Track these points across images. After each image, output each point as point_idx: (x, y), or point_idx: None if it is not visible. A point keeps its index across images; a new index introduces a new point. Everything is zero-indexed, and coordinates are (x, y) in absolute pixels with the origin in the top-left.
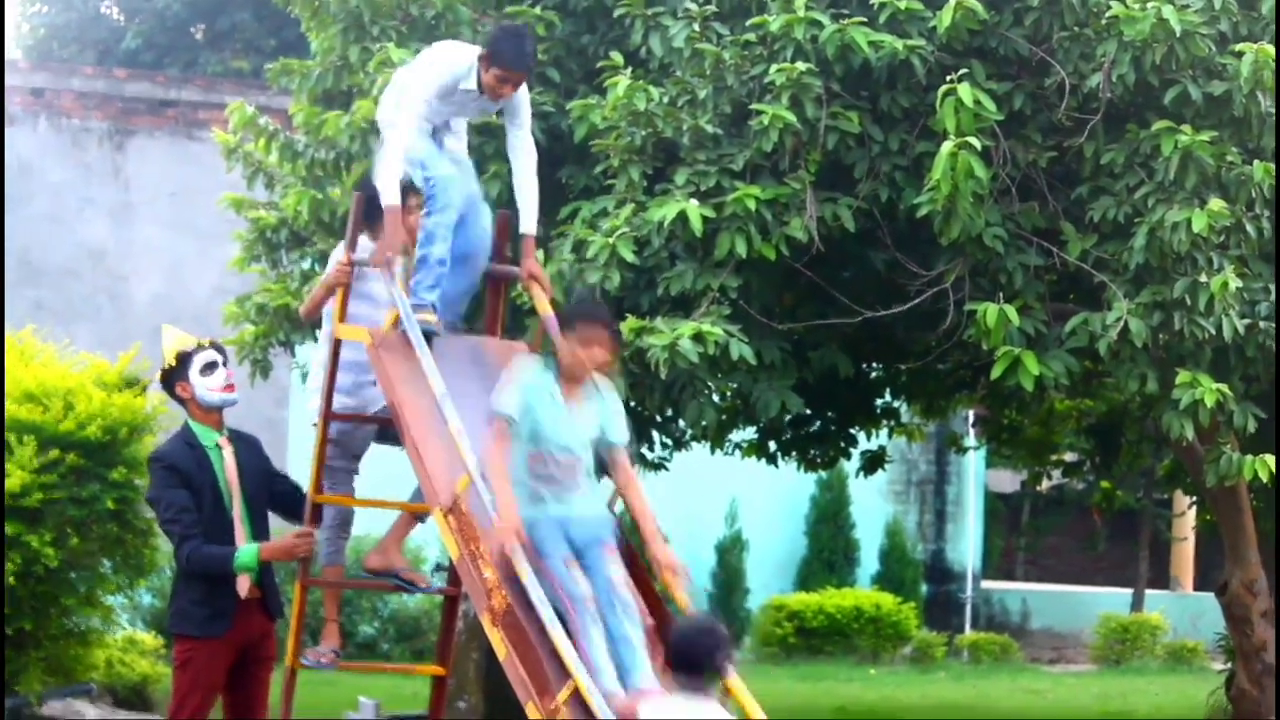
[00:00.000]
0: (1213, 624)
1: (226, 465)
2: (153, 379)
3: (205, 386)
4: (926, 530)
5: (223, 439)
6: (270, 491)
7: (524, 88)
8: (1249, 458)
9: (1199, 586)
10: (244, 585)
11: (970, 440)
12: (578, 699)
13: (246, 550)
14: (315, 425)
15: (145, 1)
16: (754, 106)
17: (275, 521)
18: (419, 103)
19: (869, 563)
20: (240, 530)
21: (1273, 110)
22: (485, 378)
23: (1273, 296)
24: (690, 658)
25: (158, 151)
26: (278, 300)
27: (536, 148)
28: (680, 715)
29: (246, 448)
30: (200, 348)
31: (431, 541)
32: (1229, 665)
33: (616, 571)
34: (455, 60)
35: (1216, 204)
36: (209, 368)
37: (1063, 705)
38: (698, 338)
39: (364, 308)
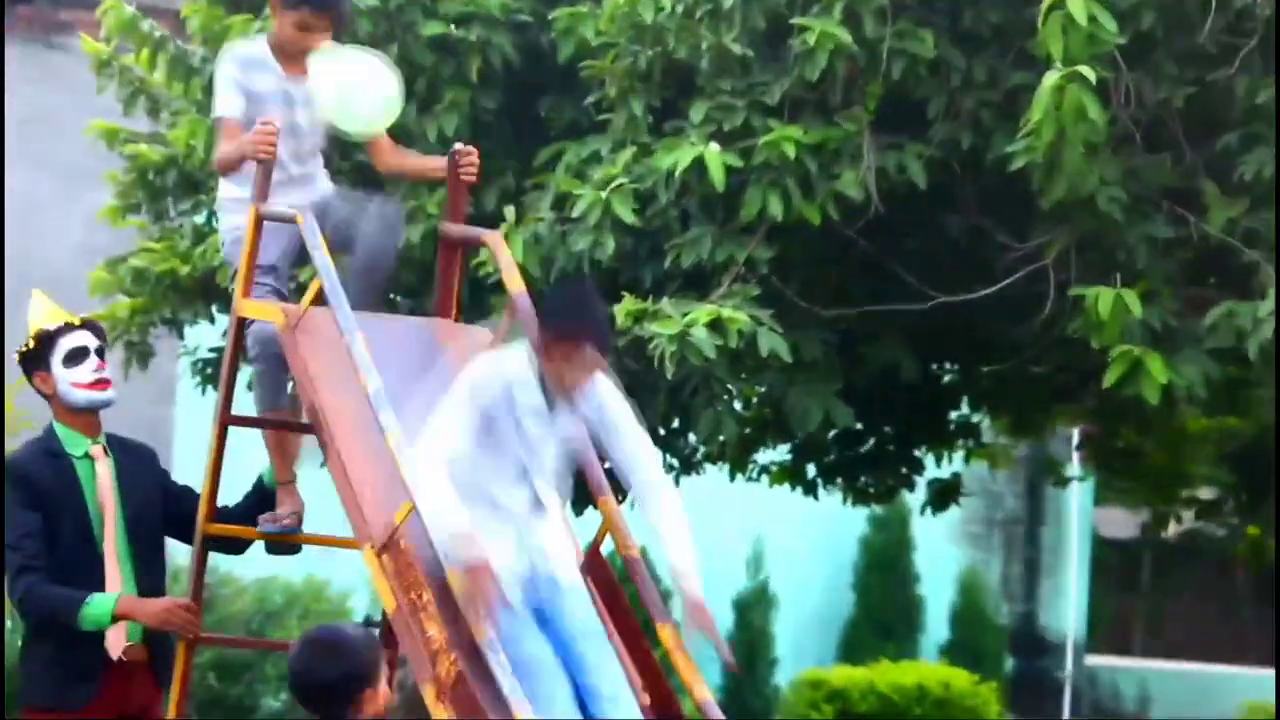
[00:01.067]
0: None
1: (99, 482)
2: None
3: (69, 380)
4: (1014, 587)
5: (96, 448)
6: (170, 515)
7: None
8: None
9: None
10: (117, 643)
11: (1074, 469)
12: None
13: (100, 599)
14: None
15: None
16: (795, 21)
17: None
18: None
19: (937, 628)
20: (113, 569)
21: None
22: (437, 373)
23: None
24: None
25: (7, 64)
26: (162, 264)
27: (508, 70)
28: None
29: (131, 460)
30: (68, 327)
31: (360, 586)
32: None
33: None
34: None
35: None
36: (76, 355)
37: None
38: (715, 325)
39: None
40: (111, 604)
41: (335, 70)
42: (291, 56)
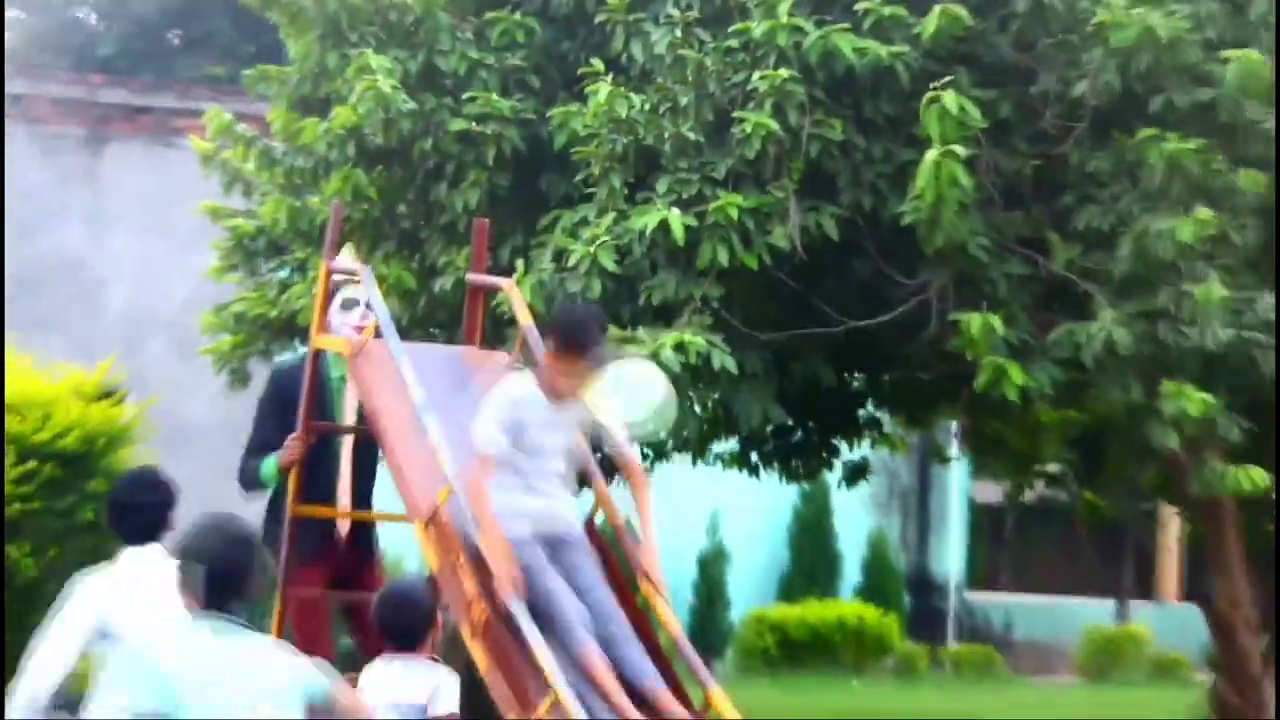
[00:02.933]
0: (1198, 635)
1: (347, 403)
2: (129, 390)
3: (341, 320)
4: (909, 542)
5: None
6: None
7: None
8: (1235, 469)
9: (1184, 598)
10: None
11: (954, 451)
12: (559, 711)
13: (268, 462)
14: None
15: (121, 7)
16: (736, 114)
17: None
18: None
19: (851, 574)
20: (346, 471)
21: (1259, 118)
22: (465, 388)
23: (1258, 306)
24: (401, 626)
25: (133, 158)
26: (255, 309)
27: (516, 155)
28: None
29: None
30: (353, 283)
31: (411, 552)
32: (1214, 676)
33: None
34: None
35: (1203, 213)
36: (349, 304)
37: (1046, 717)
38: (680, 347)
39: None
40: (274, 463)
41: (653, 383)
42: (558, 390)
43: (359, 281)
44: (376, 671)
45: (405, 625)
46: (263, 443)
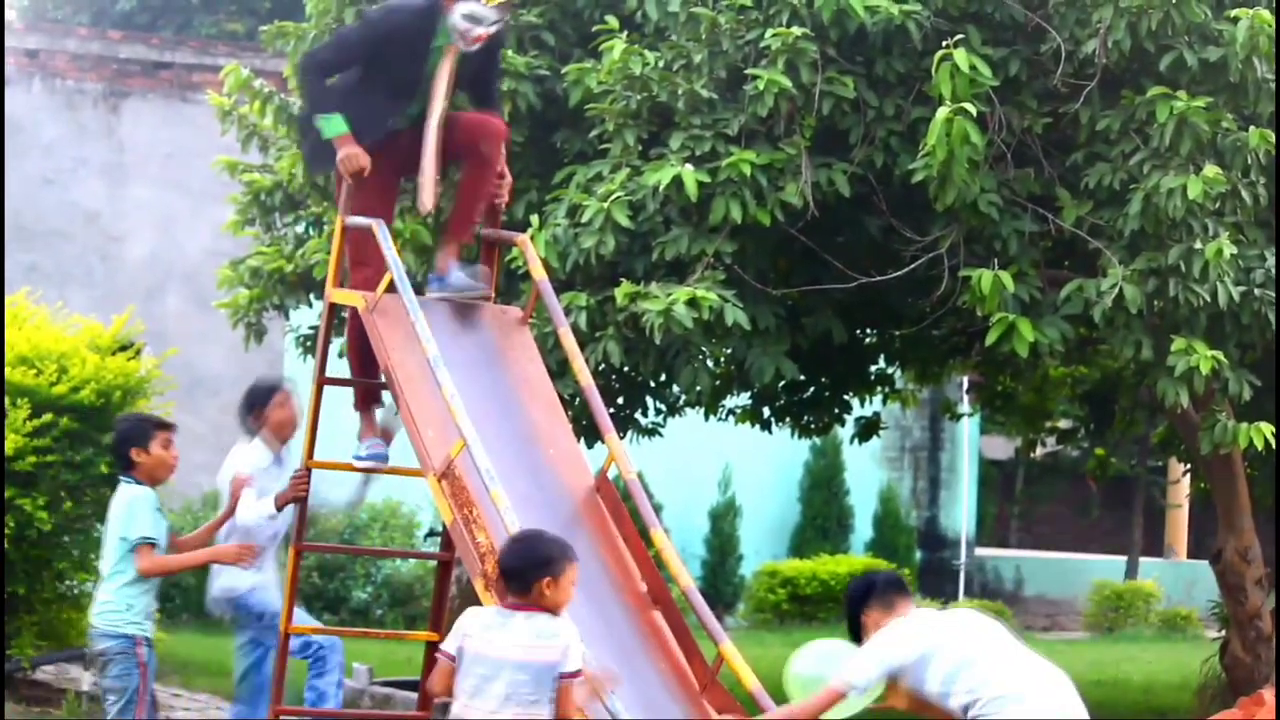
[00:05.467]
0: (1207, 591)
1: (442, 70)
2: (146, 343)
3: (462, 25)
4: (920, 497)
5: (451, 47)
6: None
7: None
8: (1244, 425)
9: (1193, 554)
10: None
11: (964, 407)
12: None
13: (337, 121)
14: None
15: None
16: (749, 71)
17: None
18: None
19: (863, 529)
20: (432, 143)
21: (1269, 76)
22: (479, 344)
23: (1268, 263)
24: (520, 573)
25: (152, 114)
26: (272, 264)
27: (531, 111)
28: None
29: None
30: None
31: (425, 506)
32: (1223, 633)
33: None
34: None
35: (1211, 170)
36: (474, 18)
37: None
38: (692, 303)
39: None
40: (340, 130)
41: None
42: None
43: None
44: (490, 624)
45: (518, 565)
46: (338, 64)
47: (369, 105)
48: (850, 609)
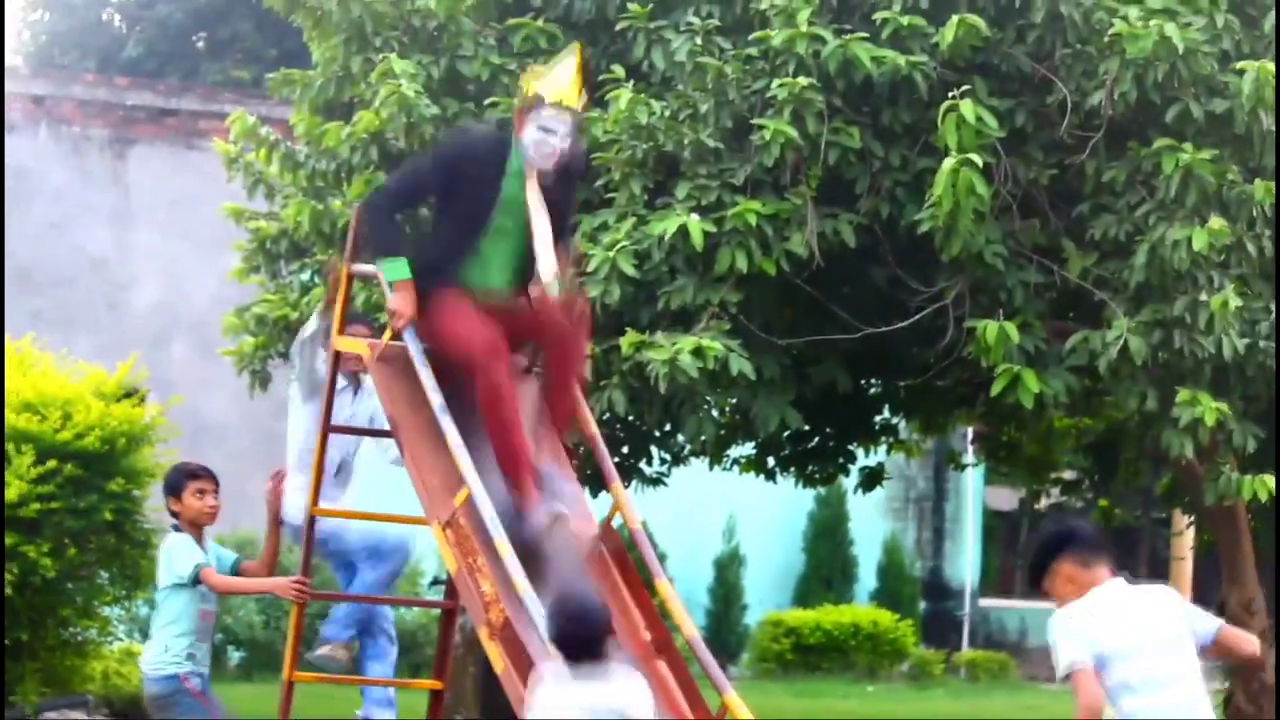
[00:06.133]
0: None
1: (527, 197)
2: (151, 389)
3: (536, 140)
4: (924, 547)
5: (533, 178)
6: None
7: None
8: (1248, 477)
9: (1197, 605)
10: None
11: (969, 457)
12: None
13: (401, 267)
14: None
15: (147, 10)
16: (755, 121)
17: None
18: None
19: (867, 579)
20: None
21: (1274, 128)
22: None
23: (1273, 315)
24: (597, 641)
25: (158, 160)
26: (277, 311)
27: None
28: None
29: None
30: (546, 103)
31: (429, 555)
32: (1226, 684)
33: None
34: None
35: (1217, 222)
36: (549, 129)
37: None
38: (697, 352)
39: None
40: (401, 275)
41: None
42: None
43: (563, 109)
44: (563, 682)
45: (588, 636)
46: (409, 196)
47: (441, 241)
48: (1042, 554)
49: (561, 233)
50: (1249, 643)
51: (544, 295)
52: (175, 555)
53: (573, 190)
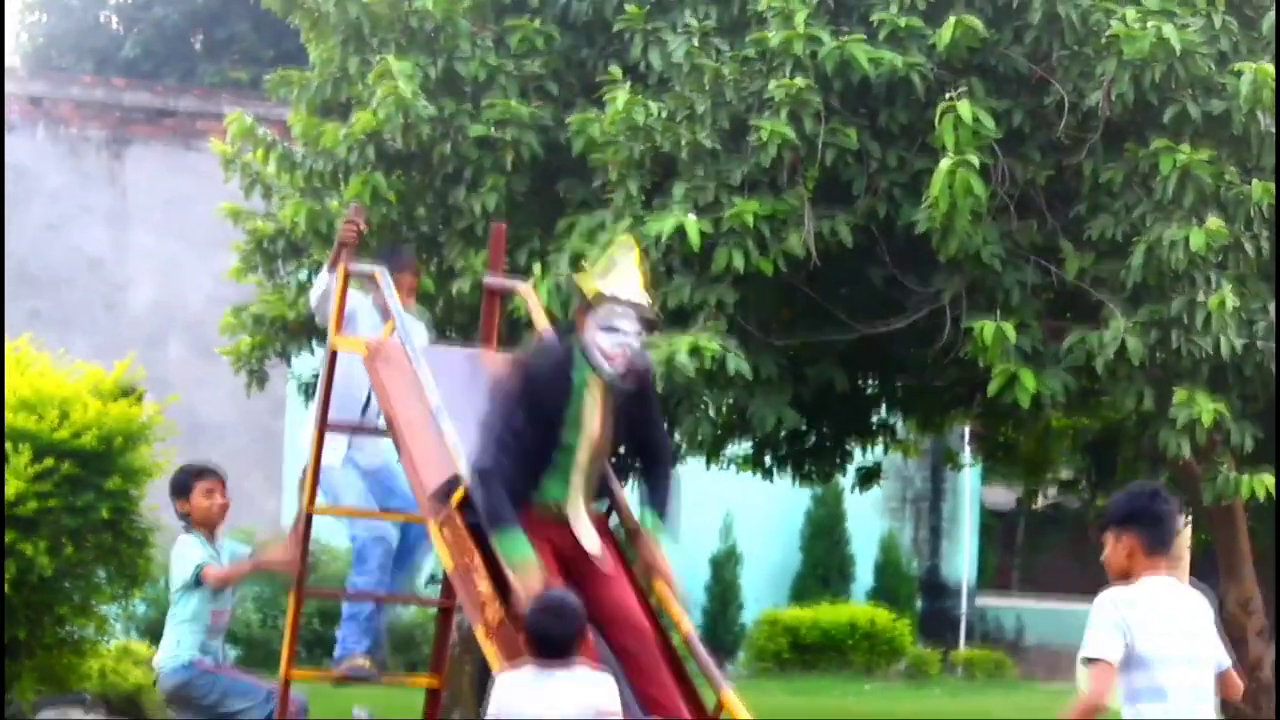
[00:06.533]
0: None
1: (588, 408)
2: (148, 389)
3: (599, 342)
4: (921, 546)
5: (595, 382)
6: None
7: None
8: (1246, 476)
9: None
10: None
11: (966, 457)
12: None
13: (521, 548)
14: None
15: (144, 11)
16: (752, 121)
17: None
18: None
19: (864, 577)
20: (579, 482)
21: (1272, 129)
22: (481, 391)
23: (1271, 315)
24: (550, 639)
25: (155, 161)
26: (274, 311)
27: (534, 160)
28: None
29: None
30: (618, 301)
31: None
32: None
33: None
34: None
35: (1214, 222)
36: (611, 329)
37: None
38: (694, 351)
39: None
40: (523, 554)
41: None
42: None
43: (628, 305)
44: (529, 682)
45: (564, 634)
46: (514, 431)
47: (518, 464)
48: (1121, 515)
49: (653, 457)
50: (1238, 689)
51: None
52: (181, 558)
53: (650, 403)
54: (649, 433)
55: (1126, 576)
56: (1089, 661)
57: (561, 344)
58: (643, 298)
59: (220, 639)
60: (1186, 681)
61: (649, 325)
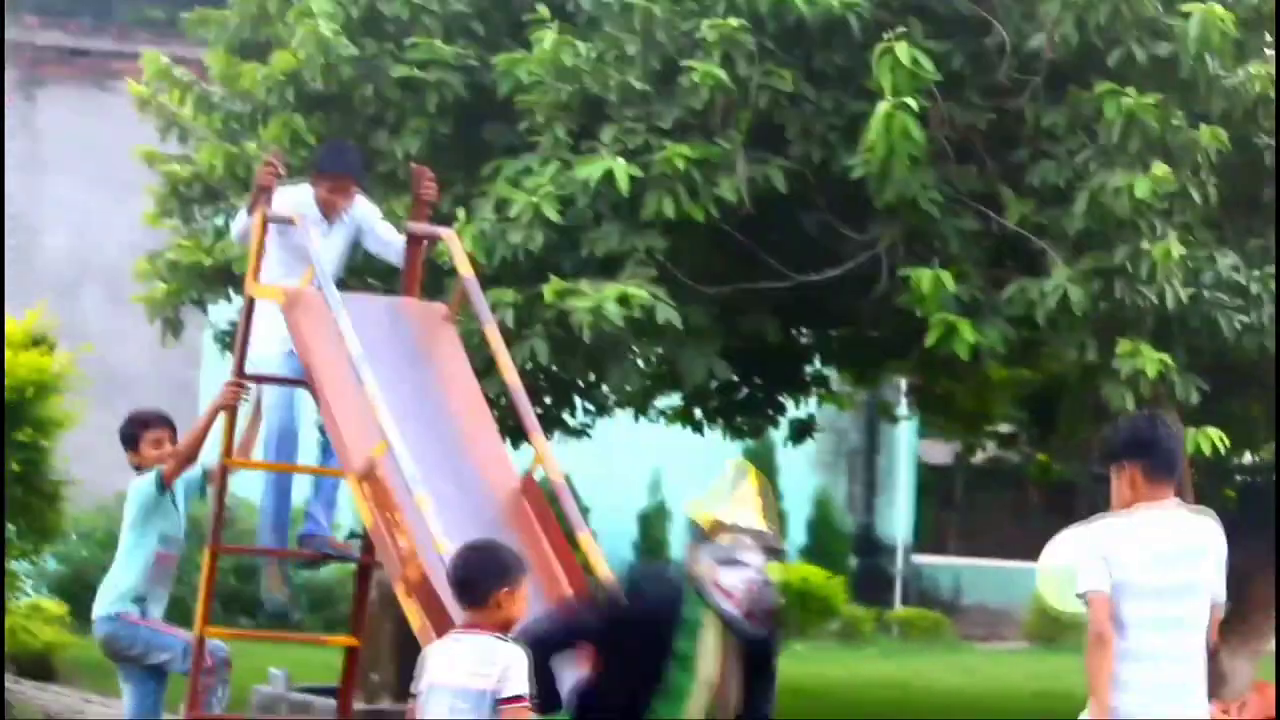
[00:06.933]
0: None
1: (705, 648)
2: (61, 338)
3: (720, 577)
4: (856, 502)
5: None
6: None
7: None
8: (1192, 431)
9: None
10: None
11: (902, 410)
12: None
13: None
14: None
15: None
16: (684, 63)
17: None
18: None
19: (796, 534)
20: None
21: (1221, 73)
22: (403, 339)
23: (1218, 265)
24: (476, 584)
25: (69, 102)
26: (190, 257)
27: (459, 103)
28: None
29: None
30: (749, 533)
31: (345, 508)
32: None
33: None
34: (288, 197)
35: (1160, 169)
36: (733, 563)
37: (994, 683)
38: (623, 300)
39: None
40: None
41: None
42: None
43: (749, 534)
44: (441, 650)
45: (474, 576)
46: (563, 643)
47: (606, 699)
48: (1119, 447)
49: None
50: (1213, 630)
51: None
52: (136, 485)
53: (773, 655)
54: (760, 704)
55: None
56: (1082, 598)
57: (672, 574)
58: (766, 525)
59: (165, 587)
60: (1148, 613)
61: (775, 554)
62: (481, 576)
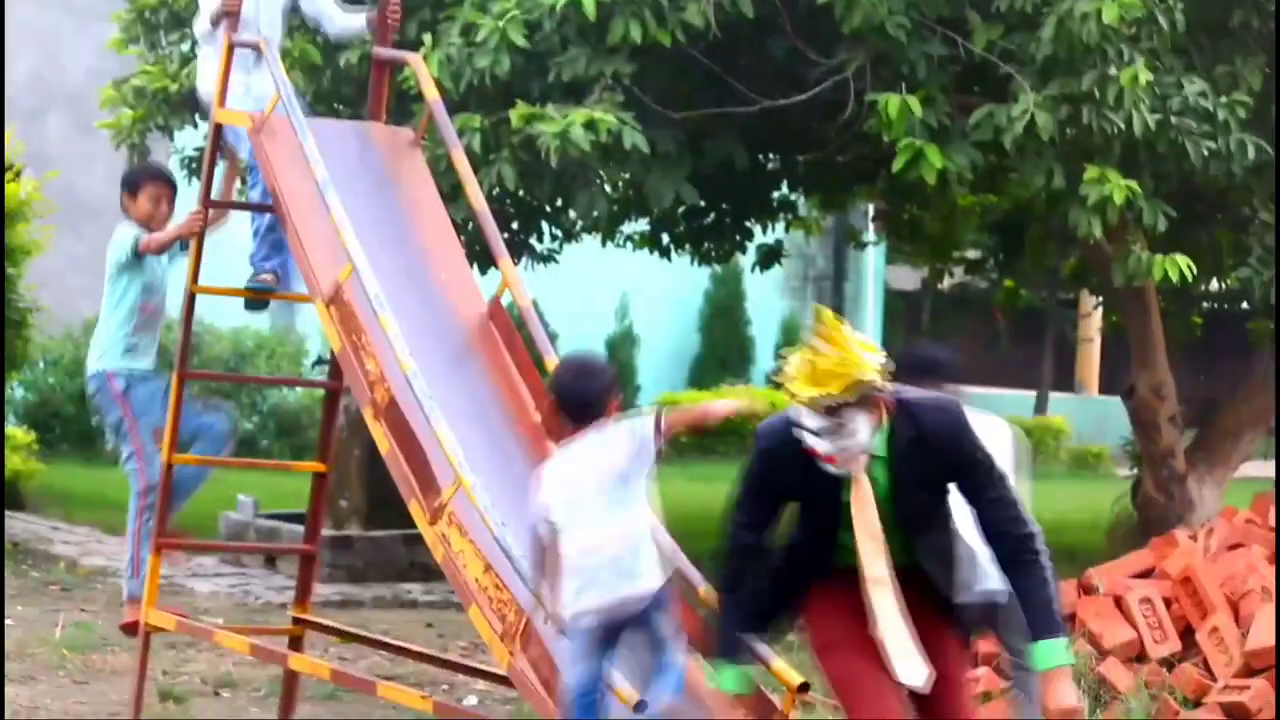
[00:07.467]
0: (1118, 428)
1: (860, 494)
2: (27, 164)
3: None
4: None
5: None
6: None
7: None
8: (1159, 257)
9: (1104, 389)
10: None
11: (869, 235)
12: (463, 497)
13: (733, 677)
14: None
15: None
16: None
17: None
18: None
19: (764, 360)
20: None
21: None
22: (369, 166)
23: (1185, 91)
24: (580, 401)
25: None
26: (156, 83)
27: None
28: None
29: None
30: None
31: (313, 334)
32: (1134, 471)
33: None
34: None
35: None
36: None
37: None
38: (590, 125)
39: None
40: (730, 688)
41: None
42: None
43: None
44: (564, 463)
45: (589, 395)
46: (760, 513)
47: (794, 559)
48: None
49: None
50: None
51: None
52: (117, 238)
53: (945, 466)
54: (974, 497)
55: None
56: None
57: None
58: (815, 387)
59: (153, 335)
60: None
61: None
62: (600, 395)
